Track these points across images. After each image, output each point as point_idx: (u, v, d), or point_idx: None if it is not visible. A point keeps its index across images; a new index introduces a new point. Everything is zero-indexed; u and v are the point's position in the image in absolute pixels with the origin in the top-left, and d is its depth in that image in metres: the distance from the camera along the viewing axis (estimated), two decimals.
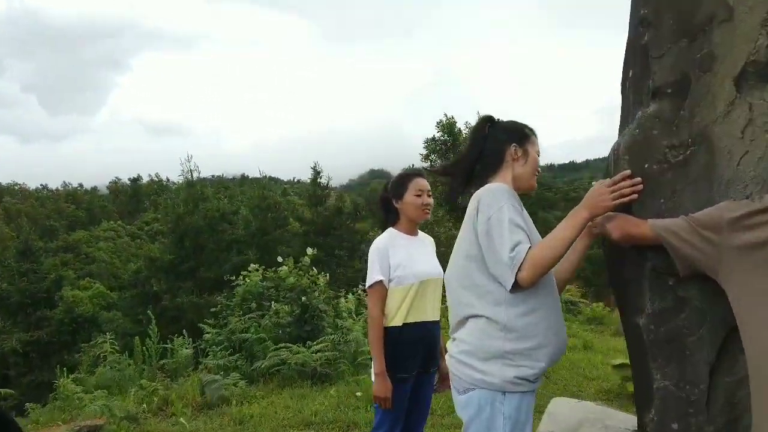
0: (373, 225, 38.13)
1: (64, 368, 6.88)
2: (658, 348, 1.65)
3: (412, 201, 2.70)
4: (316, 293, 6.71)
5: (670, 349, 1.63)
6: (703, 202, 1.57)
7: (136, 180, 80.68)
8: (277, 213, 23.92)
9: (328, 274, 7.42)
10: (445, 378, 2.86)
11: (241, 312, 7.00)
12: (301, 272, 6.96)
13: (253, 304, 7.06)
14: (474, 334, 1.77)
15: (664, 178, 1.63)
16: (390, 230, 2.78)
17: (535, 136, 1.98)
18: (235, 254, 20.92)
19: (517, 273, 1.64)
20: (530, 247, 1.66)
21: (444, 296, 2.34)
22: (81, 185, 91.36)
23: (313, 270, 7.06)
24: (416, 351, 2.67)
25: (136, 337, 7.17)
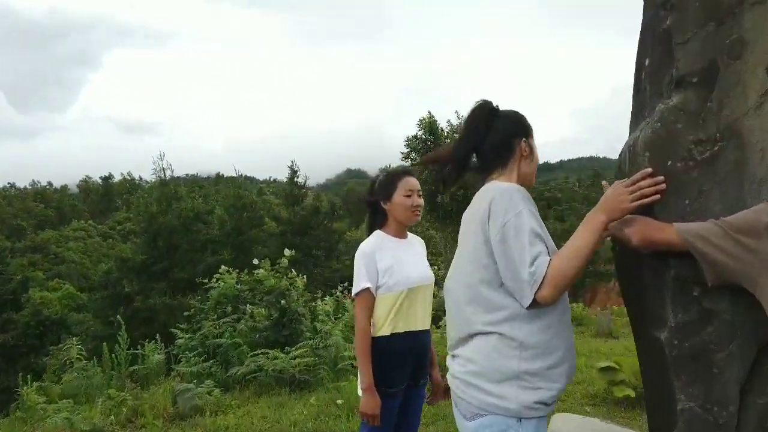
0: (350, 225, 38.04)
1: (29, 374, 6.55)
2: (681, 365, 1.49)
3: (401, 202, 2.51)
4: (294, 296, 6.48)
5: (696, 367, 1.47)
6: (732, 203, 1.42)
7: (107, 178, 79.25)
8: (252, 212, 23.58)
9: (305, 276, 7.19)
10: (438, 390, 2.69)
11: (216, 316, 6.73)
12: (278, 274, 6.72)
13: (229, 308, 6.80)
14: (484, 353, 1.57)
15: (689, 176, 1.47)
16: (377, 233, 2.59)
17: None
18: (209, 254, 20.55)
19: (536, 291, 1.46)
20: (550, 261, 1.48)
21: (443, 302, 2.15)
22: (50, 184, 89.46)
23: (291, 272, 6.82)
24: (405, 362, 2.48)
25: (105, 343, 6.84)
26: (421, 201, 2.58)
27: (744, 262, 1.30)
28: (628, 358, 5.49)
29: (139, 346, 7.18)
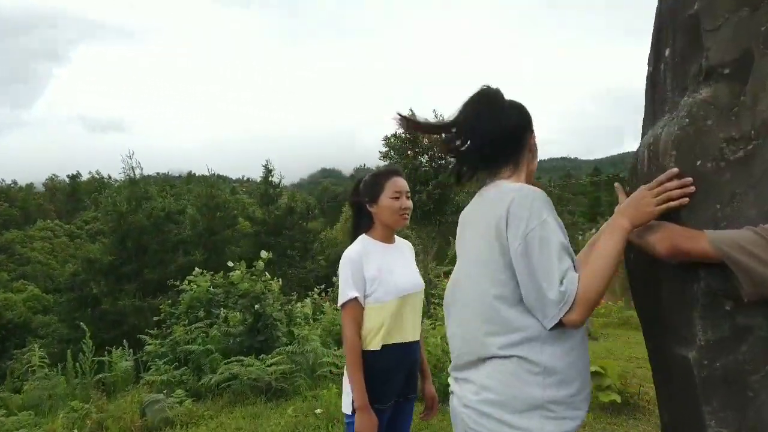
0: (325, 224, 37.70)
1: None
2: (712, 388, 1.34)
3: (388, 204, 2.33)
4: (270, 300, 6.24)
5: (728, 390, 1.32)
6: None
7: (75, 177, 77.44)
8: (226, 212, 23.15)
9: (280, 279, 6.95)
10: (433, 404, 2.52)
11: (187, 321, 6.46)
12: (254, 277, 6.47)
13: (201, 312, 6.52)
14: (502, 380, 1.39)
15: (720, 178, 1.32)
16: (363, 238, 2.39)
17: None
18: (181, 255, 20.13)
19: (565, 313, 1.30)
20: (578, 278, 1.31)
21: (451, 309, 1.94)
22: (15, 182, 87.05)
23: (266, 275, 6.58)
24: (396, 376, 2.31)
25: (69, 350, 6.50)
26: (410, 203, 2.41)
27: None
28: (612, 361, 5.41)
29: (106, 353, 6.87)
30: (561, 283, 1.29)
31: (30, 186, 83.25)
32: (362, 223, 2.45)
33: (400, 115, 1.57)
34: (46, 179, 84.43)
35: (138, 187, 21.06)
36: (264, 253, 6.78)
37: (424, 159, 22.16)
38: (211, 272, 7.13)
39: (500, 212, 1.40)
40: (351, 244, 2.41)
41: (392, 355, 2.27)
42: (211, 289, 7.04)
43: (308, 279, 22.95)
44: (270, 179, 24.00)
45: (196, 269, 7.19)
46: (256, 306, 5.99)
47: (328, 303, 7.62)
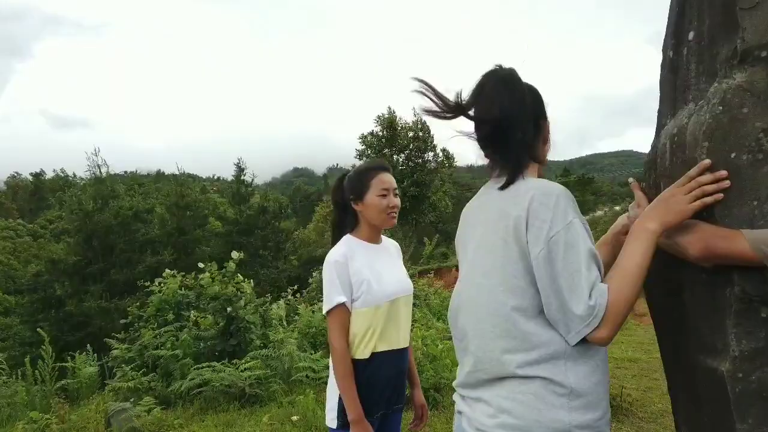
0: (297, 224, 37.29)
1: None
2: (747, 403, 1.21)
3: (375, 203, 2.17)
4: (242, 302, 6.01)
5: (766, 405, 1.20)
6: None
7: (38, 175, 75.37)
8: (196, 211, 22.66)
9: (252, 280, 6.71)
10: (423, 414, 2.37)
11: (156, 324, 6.19)
12: (225, 278, 6.23)
13: (171, 315, 6.26)
14: (523, 402, 1.23)
15: (757, 172, 1.19)
16: (348, 238, 2.23)
17: None
18: (149, 255, 19.60)
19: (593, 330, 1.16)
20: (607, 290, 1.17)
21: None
22: None
23: (238, 276, 6.34)
24: (385, 387, 2.15)
25: (27, 358, 6.17)
26: (398, 201, 2.25)
27: None
28: None
29: (69, 358, 6.55)
30: (590, 296, 1.15)
31: None
32: (347, 223, 2.30)
33: (420, 80, 1.35)
34: (8, 177, 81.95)
35: (104, 186, 20.48)
36: (235, 254, 6.54)
37: (401, 157, 22.02)
38: (182, 273, 6.86)
39: (518, 211, 1.24)
40: (334, 245, 2.25)
41: (381, 363, 2.12)
42: (182, 290, 6.78)
43: (281, 279, 22.63)
44: (242, 178, 23.58)
45: (167, 270, 6.91)
46: (229, 309, 5.76)
47: (303, 305, 7.42)
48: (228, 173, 24.43)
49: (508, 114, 1.31)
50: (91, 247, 19.05)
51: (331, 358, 2.14)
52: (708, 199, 1.20)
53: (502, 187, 1.34)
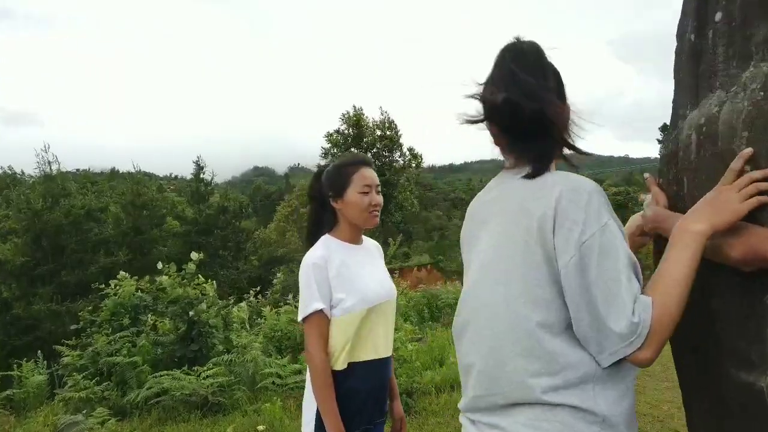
0: (258, 224, 36.68)
1: None
2: None
3: (356, 200, 2.00)
4: (204, 305, 5.73)
5: None
6: None
7: None
8: (153, 211, 21.98)
9: (217, 283, 6.44)
10: (402, 427, 2.22)
11: (111, 329, 5.85)
12: (185, 280, 5.94)
13: (126, 320, 5.93)
14: (549, 431, 1.07)
15: None
16: (326, 239, 2.05)
17: None
18: (102, 255, 18.89)
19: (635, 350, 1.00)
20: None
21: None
22: None
23: (199, 278, 6.06)
24: (365, 401, 1.98)
25: None
26: (381, 199, 2.09)
27: None
28: None
29: (15, 366, 6.14)
30: (634, 311, 0.99)
31: None
32: (324, 222, 2.11)
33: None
34: None
35: (55, 184, 19.67)
36: (194, 254, 6.24)
37: (368, 156, 21.88)
38: (136, 277, 6.52)
39: (543, 209, 1.08)
40: (311, 245, 2.06)
41: (361, 374, 1.95)
42: (138, 293, 6.44)
43: (241, 280, 22.20)
44: (201, 176, 23.00)
45: (122, 272, 6.56)
46: (191, 312, 5.48)
47: (268, 307, 7.17)
48: (186, 172, 23.82)
49: (536, 93, 1.14)
50: (41, 247, 18.25)
51: (308, 368, 1.96)
52: (764, 198, 1.06)
53: (528, 176, 1.16)
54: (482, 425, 1.18)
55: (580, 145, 1.22)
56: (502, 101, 1.14)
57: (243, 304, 7.22)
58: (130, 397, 4.80)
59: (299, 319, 1.96)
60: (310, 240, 2.11)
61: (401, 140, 24.65)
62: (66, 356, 5.73)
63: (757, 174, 1.07)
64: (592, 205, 1.05)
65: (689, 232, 1.06)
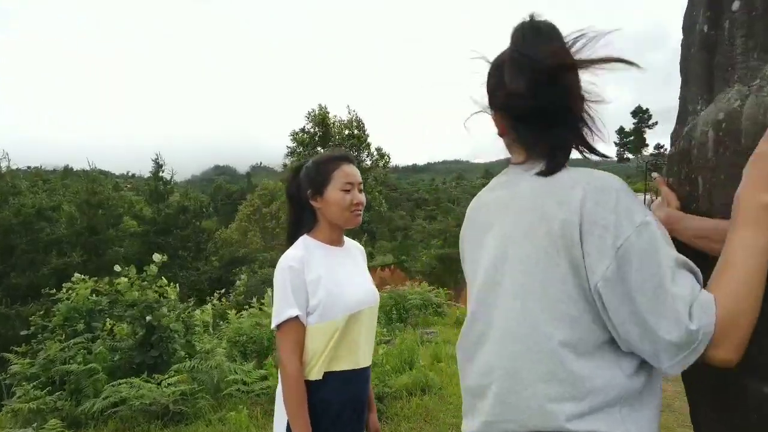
0: (219, 224, 36.01)
1: None
2: None
3: (338, 198, 1.87)
4: (165, 309, 5.48)
5: None
6: None
7: None
8: (109, 210, 21.27)
9: (178, 285, 6.18)
10: None
11: (64, 335, 5.53)
12: (146, 283, 5.67)
13: (81, 325, 5.62)
14: None
15: None
16: (305, 240, 1.91)
17: None
18: (55, 256, 18.18)
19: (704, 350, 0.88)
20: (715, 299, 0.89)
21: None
22: None
23: (161, 280, 5.80)
24: (342, 414, 1.84)
25: None
26: (363, 197, 1.96)
27: None
28: None
29: None
30: (690, 315, 0.87)
31: None
32: (303, 222, 1.98)
33: None
34: None
35: (3, 182, 18.90)
36: (157, 256, 5.98)
37: (349, 152, 21.67)
38: (94, 278, 6.21)
39: (565, 213, 0.96)
40: (289, 246, 1.93)
41: (337, 385, 1.82)
42: (94, 296, 6.13)
43: (201, 281, 21.70)
44: (160, 175, 22.37)
45: (76, 274, 6.23)
46: (149, 317, 5.22)
47: (232, 310, 6.94)
48: (144, 170, 23.16)
49: (558, 77, 1.01)
50: None
51: (279, 379, 1.82)
52: None
53: (543, 173, 1.04)
54: None
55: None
56: (520, 87, 1.01)
57: (207, 306, 6.98)
58: (85, 407, 4.52)
59: (273, 326, 1.81)
60: (290, 242, 1.97)
61: (369, 140, 24.57)
62: (15, 364, 5.38)
63: None
64: (621, 205, 0.94)
65: (758, 207, 0.89)
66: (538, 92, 1.01)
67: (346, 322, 1.81)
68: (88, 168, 24.61)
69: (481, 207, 1.19)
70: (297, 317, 1.76)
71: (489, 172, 79.90)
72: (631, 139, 60.22)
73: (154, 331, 5.18)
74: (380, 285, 14.47)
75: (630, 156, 60.01)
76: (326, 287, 1.80)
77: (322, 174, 1.90)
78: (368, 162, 25.66)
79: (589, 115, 1.06)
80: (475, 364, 1.11)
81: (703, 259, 1.05)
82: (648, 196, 1.41)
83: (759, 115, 1.06)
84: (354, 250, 2.05)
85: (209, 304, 7.40)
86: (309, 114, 17.54)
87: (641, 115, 60.68)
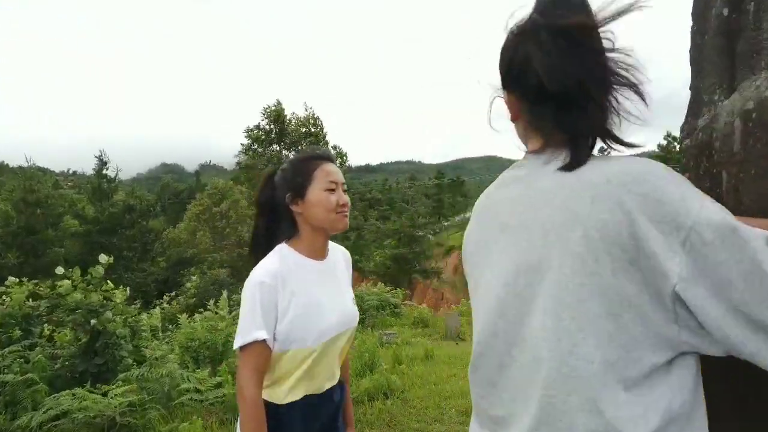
0: (166, 223, 34.88)
1: None
2: None
3: (322, 199, 1.66)
4: (110, 313, 5.15)
5: None
6: None
7: None
8: (48, 209, 20.25)
9: (128, 288, 5.84)
10: None
11: None
12: (90, 286, 5.31)
13: (17, 332, 5.22)
14: None
15: None
16: (283, 250, 1.68)
17: None
18: None
19: None
20: None
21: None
22: None
23: (107, 283, 5.45)
24: None
25: None
26: (347, 198, 1.77)
27: None
28: None
29: None
30: None
31: None
32: (280, 231, 1.76)
33: None
34: None
35: None
36: (103, 257, 5.63)
37: (292, 153, 21.28)
38: (33, 281, 5.80)
39: (602, 213, 0.82)
40: (255, 260, 1.70)
41: (304, 412, 1.64)
42: (31, 301, 5.73)
43: (148, 283, 20.97)
44: (104, 172, 21.47)
45: (11, 277, 5.80)
46: (93, 321, 4.89)
47: (184, 314, 6.62)
48: (87, 167, 22.22)
49: (588, 53, 0.88)
50: None
51: (238, 405, 1.61)
52: None
53: (568, 167, 0.90)
54: None
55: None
56: (544, 59, 0.88)
57: (156, 310, 6.63)
58: (22, 420, 4.17)
59: (235, 346, 1.60)
60: (254, 253, 1.76)
61: (327, 137, 24.23)
62: None
63: None
64: (670, 193, 0.80)
65: None
66: (563, 64, 0.88)
67: (320, 350, 1.63)
68: (25, 165, 23.40)
69: (493, 206, 1.04)
70: (264, 341, 1.56)
71: (441, 172, 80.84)
72: None
73: (98, 337, 4.87)
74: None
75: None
76: (302, 313, 1.60)
77: (301, 175, 1.69)
78: None
79: (616, 100, 0.93)
80: (500, 390, 0.95)
81: None
82: None
83: None
84: (339, 260, 1.85)
85: (157, 307, 7.04)
86: (264, 110, 17.13)
87: None
